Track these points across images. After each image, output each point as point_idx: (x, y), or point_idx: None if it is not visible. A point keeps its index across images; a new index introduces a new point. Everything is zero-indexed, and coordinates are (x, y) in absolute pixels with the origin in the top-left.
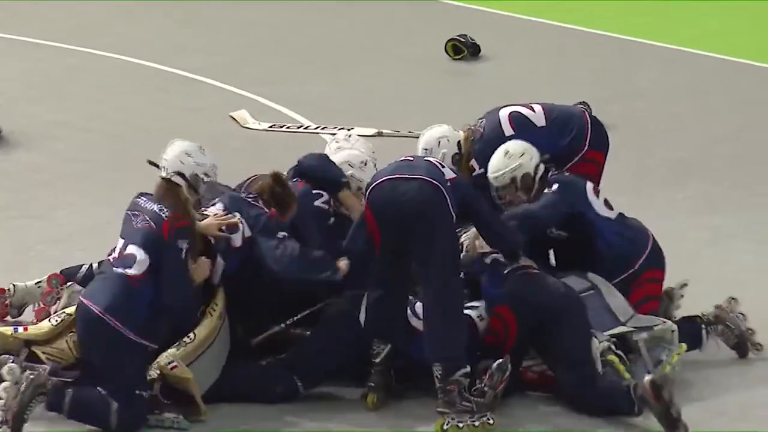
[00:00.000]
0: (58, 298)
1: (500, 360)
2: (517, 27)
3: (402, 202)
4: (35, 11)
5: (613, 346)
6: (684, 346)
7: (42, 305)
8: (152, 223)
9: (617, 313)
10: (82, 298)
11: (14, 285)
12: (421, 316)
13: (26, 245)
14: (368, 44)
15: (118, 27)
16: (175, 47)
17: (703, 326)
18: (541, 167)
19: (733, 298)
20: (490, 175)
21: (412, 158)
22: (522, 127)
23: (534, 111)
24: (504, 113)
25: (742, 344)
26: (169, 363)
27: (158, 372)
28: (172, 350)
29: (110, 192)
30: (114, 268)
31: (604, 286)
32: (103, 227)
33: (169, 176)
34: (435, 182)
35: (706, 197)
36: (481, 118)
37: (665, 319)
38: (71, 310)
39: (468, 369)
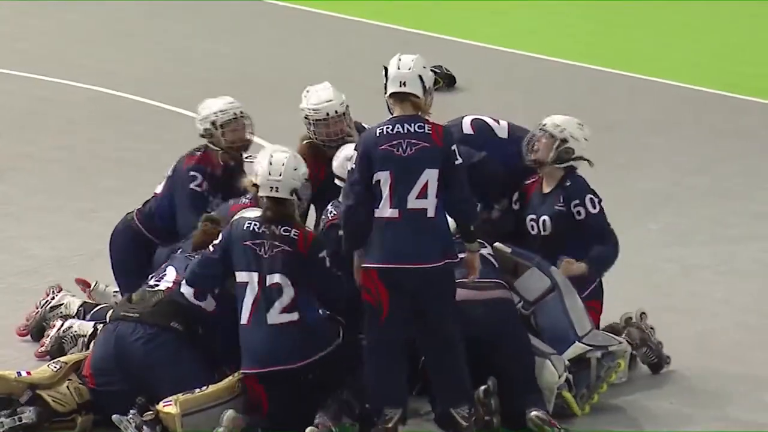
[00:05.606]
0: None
1: (484, 387)
2: (491, 58)
3: (413, 285)
4: (2, 42)
5: (570, 377)
6: (623, 363)
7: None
8: (287, 246)
9: (575, 323)
10: (272, 368)
11: (97, 282)
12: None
13: None
14: (339, 76)
15: (86, 58)
16: (143, 78)
17: (633, 351)
18: None
19: (643, 313)
20: None
21: (399, 217)
22: (481, 130)
23: (499, 123)
24: (468, 118)
25: (660, 361)
26: (167, 402)
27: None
28: (179, 394)
29: (77, 223)
30: (268, 316)
31: (564, 285)
32: (71, 258)
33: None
34: (443, 263)
35: (676, 229)
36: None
37: (621, 340)
38: (66, 359)
39: None
